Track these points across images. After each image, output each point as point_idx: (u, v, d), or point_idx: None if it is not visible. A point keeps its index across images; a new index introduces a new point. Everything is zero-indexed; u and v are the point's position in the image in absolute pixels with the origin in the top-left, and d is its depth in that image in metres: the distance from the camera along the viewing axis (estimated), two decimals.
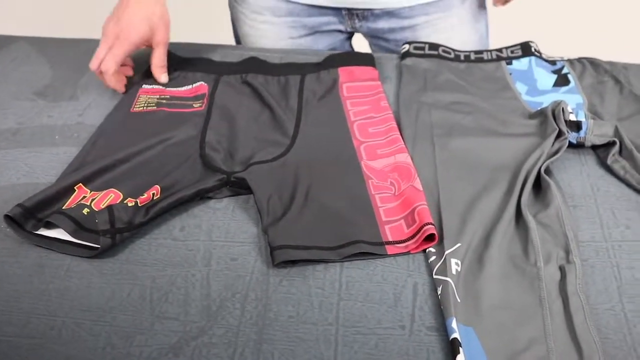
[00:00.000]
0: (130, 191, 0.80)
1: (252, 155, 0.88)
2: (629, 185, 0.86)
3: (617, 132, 0.90)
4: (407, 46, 1.12)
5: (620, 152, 0.89)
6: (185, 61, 1.08)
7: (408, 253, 0.77)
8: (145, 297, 0.72)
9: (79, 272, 0.74)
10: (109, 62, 0.98)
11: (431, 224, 0.76)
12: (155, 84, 1.03)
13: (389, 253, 0.76)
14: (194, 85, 1.03)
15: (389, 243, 0.76)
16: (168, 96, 1.01)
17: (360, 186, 0.83)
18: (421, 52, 1.10)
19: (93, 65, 1.00)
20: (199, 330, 0.68)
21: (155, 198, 0.80)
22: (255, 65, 1.07)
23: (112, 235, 0.75)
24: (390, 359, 0.65)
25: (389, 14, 1.20)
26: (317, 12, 1.21)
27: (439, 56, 1.10)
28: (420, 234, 0.75)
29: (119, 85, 1.02)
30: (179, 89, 1.03)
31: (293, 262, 0.75)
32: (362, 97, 1.01)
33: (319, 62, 1.08)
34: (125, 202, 0.78)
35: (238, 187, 0.84)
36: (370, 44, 1.31)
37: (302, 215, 0.79)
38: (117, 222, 0.76)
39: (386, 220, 0.79)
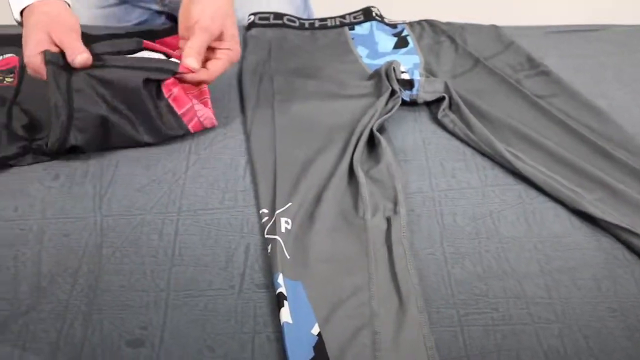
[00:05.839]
0: None
1: None
2: (457, 137, 0.90)
3: (446, 88, 0.94)
4: (252, 17, 1.12)
5: (450, 107, 0.93)
6: (3, 38, 1.06)
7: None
8: None
9: None
10: None
11: None
12: None
13: None
14: (4, 56, 1.01)
15: None
16: None
17: None
18: (266, 22, 1.11)
19: None
20: (27, 307, 0.67)
21: None
22: None
23: None
24: (219, 318, 0.67)
25: None
26: None
27: (283, 25, 1.11)
28: None
29: None
30: None
31: None
32: None
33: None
34: None
35: (40, 153, 0.85)
36: None
37: None
38: None
39: None
